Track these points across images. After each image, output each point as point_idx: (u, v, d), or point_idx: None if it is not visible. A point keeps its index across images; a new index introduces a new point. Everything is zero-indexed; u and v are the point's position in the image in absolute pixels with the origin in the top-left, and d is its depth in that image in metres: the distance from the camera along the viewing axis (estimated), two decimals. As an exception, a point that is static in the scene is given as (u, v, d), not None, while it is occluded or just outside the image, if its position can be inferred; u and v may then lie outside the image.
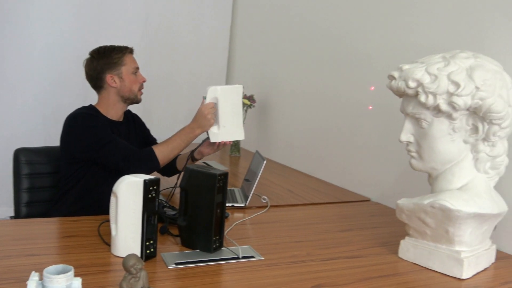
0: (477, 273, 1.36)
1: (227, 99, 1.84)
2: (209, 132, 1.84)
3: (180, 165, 2.05)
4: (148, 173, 1.86)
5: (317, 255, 1.44)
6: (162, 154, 1.82)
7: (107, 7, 3.05)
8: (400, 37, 2.02)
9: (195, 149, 1.95)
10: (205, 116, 1.81)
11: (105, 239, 1.43)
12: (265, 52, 3.16)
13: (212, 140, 1.85)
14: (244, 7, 3.47)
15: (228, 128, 1.84)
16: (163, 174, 2.13)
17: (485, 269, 1.39)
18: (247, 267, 1.33)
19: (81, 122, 1.83)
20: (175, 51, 3.37)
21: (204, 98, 1.83)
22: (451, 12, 1.78)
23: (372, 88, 2.16)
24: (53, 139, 2.82)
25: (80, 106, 1.93)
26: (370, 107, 2.17)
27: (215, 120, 1.82)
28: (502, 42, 1.58)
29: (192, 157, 1.95)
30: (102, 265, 1.29)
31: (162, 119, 3.18)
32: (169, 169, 2.07)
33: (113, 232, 1.36)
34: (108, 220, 1.43)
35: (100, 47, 1.91)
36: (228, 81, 3.63)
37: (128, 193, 1.33)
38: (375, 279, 1.30)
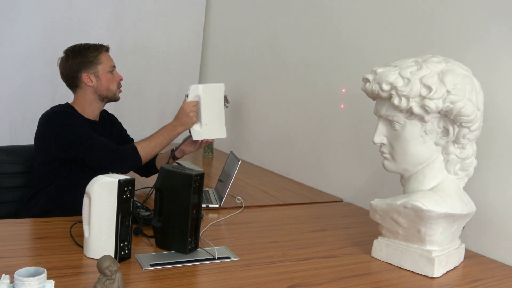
0: (447, 272, 1.40)
1: (209, 97, 1.84)
2: (192, 130, 1.85)
3: (159, 164, 2.04)
4: (130, 170, 1.85)
5: (292, 255, 1.45)
6: (144, 150, 1.81)
7: (76, 4, 2.98)
8: (371, 39, 2.06)
9: (177, 147, 1.94)
10: (188, 114, 1.81)
11: (77, 241, 1.40)
12: (239, 52, 3.16)
13: (195, 138, 1.86)
14: (218, 7, 3.46)
15: (210, 126, 1.85)
16: (141, 174, 2.10)
17: (454, 268, 1.43)
18: (223, 267, 1.33)
19: (59, 120, 1.79)
20: (146, 50, 3.32)
21: (187, 96, 1.83)
22: (422, 18, 1.83)
23: (344, 90, 2.20)
24: (20, 139, 2.75)
25: (47, 106, 1.89)
26: (342, 106, 2.21)
27: (197, 118, 1.83)
28: (470, 47, 1.64)
29: (173, 155, 1.95)
30: (75, 267, 1.26)
31: (133, 119, 3.12)
32: (148, 168, 2.04)
33: (86, 234, 1.34)
34: (80, 221, 1.41)
35: (75, 46, 1.87)
36: (201, 81, 3.61)
37: (102, 193, 1.31)
38: (349, 279, 1.32)
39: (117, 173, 1.88)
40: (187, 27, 3.47)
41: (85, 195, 1.34)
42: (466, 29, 1.65)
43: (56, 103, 1.91)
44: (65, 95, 2.86)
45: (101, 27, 3.10)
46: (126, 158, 1.78)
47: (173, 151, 1.97)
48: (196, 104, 1.83)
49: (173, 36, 3.42)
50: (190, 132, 1.86)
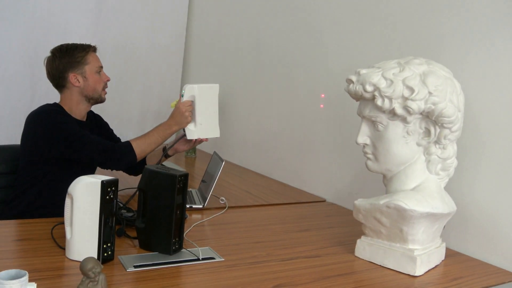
0: (429, 270, 1.42)
1: (204, 98, 1.88)
2: (186, 129, 1.88)
3: (150, 161, 2.03)
4: (125, 167, 1.84)
5: (276, 255, 1.46)
6: (139, 148, 1.81)
7: (56, 2, 2.94)
8: (353, 41, 2.08)
9: (170, 146, 1.96)
10: (183, 113, 1.84)
11: (59, 243, 1.38)
12: (222, 52, 3.16)
13: (189, 137, 1.89)
14: (200, 6, 3.45)
15: (205, 125, 1.89)
16: (130, 173, 2.09)
17: (436, 266, 1.45)
18: (208, 268, 1.33)
19: (51, 118, 1.77)
20: (128, 49, 3.29)
21: (182, 96, 1.86)
22: (403, 20, 1.86)
23: (323, 95, 2.22)
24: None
25: (26, 107, 1.86)
26: (322, 106, 2.23)
27: (192, 117, 1.86)
28: (451, 50, 1.67)
29: (165, 154, 1.97)
30: (57, 269, 1.24)
31: (115, 119, 3.10)
32: (138, 167, 2.03)
33: (68, 235, 1.32)
34: (62, 223, 1.38)
35: (62, 45, 1.84)
36: (183, 82, 3.59)
37: (85, 194, 1.29)
38: (333, 278, 1.33)
39: (112, 170, 1.89)
40: (170, 26, 3.45)
41: (67, 196, 1.32)
42: (447, 32, 1.68)
43: (35, 104, 1.89)
44: (44, 96, 2.82)
45: (82, 26, 3.06)
46: (121, 155, 1.79)
47: (165, 149, 1.99)
48: (191, 104, 1.85)
49: (156, 35, 3.40)
50: (184, 131, 1.89)
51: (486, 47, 1.56)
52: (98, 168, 1.96)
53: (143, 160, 2.02)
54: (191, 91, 1.86)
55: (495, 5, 1.54)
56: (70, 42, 1.89)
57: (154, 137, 1.85)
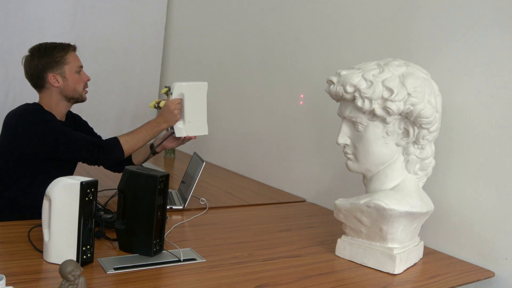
0: (408, 268, 1.44)
1: (193, 95, 1.89)
2: (175, 127, 1.89)
3: (136, 159, 2.01)
4: (112, 162, 1.82)
5: (258, 255, 1.46)
6: (127, 144, 1.80)
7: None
8: (333, 42, 2.10)
9: (159, 143, 1.96)
10: (172, 111, 1.84)
11: (36, 245, 1.35)
12: (201, 52, 3.14)
13: (178, 134, 1.90)
14: (179, 5, 3.43)
15: (193, 123, 1.90)
16: (115, 170, 2.06)
17: (414, 264, 1.48)
18: (189, 269, 1.32)
19: (34, 117, 1.73)
20: (106, 48, 3.24)
21: (171, 94, 1.86)
22: (382, 22, 1.88)
23: (301, 101, 2.25)
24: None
25: None
26: (301, 103, 2.25)
27: (180, 115, 1.87)
28: (429, 51, 1.70)
29: (154, 151, 1.97)
30: (34, 272, 1.22)
31: (92, 118, 3.05)
32: (125, 163, 2.00)
33: (45, 238, 1.29)
34: (39, 225, 1.36)
35: (41, 44, 1.80)
36: (162, 82, 3.56)
37: (63, 196, 1.26)
38: (315, 277, 1.34)
39: (99, 165, 1.87)
40: (148, 25, 3.41)
41: (44, 197, 1.29)
42: (425, 34, 1.71)
43: (8, 105, 1.85)
44: (18, 95, 2.76)
45: (58, 25, 3.00)
46: (109, 151, 1.78)
47: (152, 146, 1.99)
48: (180, 102, 1.86)
49: (134, 35, 3.36)
50: (173, 128, 1.89)
51: (465, 49, 1.59)
52: (77, 169, 1.93)
53: (129, 157, 2.00)
54: (180, 89, 1.86)
55: (467, 7, 1.57)
56: (45, 41, 1.85)
57: (143, 134, 1.84)
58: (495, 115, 1.51)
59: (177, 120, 1.87)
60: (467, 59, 1.58)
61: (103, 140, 1.82)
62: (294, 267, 1.40)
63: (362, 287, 1.31)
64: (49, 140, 1.71)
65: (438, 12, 1.67)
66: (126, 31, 3.32)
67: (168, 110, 1.84)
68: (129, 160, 2.00)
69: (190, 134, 1.92)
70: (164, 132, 2.06)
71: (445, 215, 1.62)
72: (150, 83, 3.50)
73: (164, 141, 1.96)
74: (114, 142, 1.79)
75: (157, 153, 2.02)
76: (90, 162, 1.80)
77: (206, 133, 1.96)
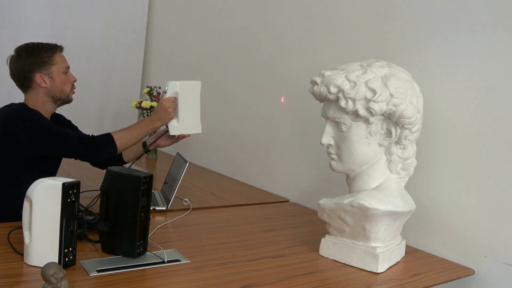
0: (391, 267, 1.46)
1: (186, 94, 1.89)
2: (169, 125, 1.89)
3: (127, 157, 1.99)
4: (104, 158, 1.82)
5: (242, 256, 1.46)
6: (120, 140, 1.79)
7: (8, -2, 2.83)
8: (315, 42, 2.11)
9: (153, 141, 1.96)
10: (166, 109, 1.84)
11: (16, 248, 1.33)
12: (183, 52, 3.13)
13: (172, 133, 1.91)
14: (161, 5, 3.41)
15: (187, 121, 1.90)
16: (103, 167, 2.02)
17: (397, 263, 1.50)
18: (174, 271, 1.31)
19: (23, 115, 1.71)
20: (86, 48, 3.20)
21: (165, 92, 1.87)
22: (364, 24, 1.90)
23: (282, 100, 2.26)
24: None
25: None
26: (283, 100, 2.26)
27: (174, 114, 1.87)
28: (411, 53, 1.72)
29: (147, 149, 1.97)
30: (15, 275, 1.19)
31: (72, 118, 3.01)
32: (116, 161, 1.98)
33: (26, 240, 1.27)
34: (19, 227, 1.33)
35: (28, 44, 1.78)
36: (144, 82, 3.53)
37: (44, 197, 1.24)
38: (299, 277, 1.34)
39: (91, 161, 1.88)
40: (130, 25, 3.38)
41: (25, 199, 1.27)
42: (406, 35, 1.74)
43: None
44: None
45: (37, 23, 2.95)
46: (101, 146, 1.77)
47: (145, 144, 1.99)
48: (174, 100, 1.86)
49: (115, 34, 3.32)
50: (167, 127, 1.90)
51: (445, 51, 1.62)
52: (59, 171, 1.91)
53: (120, 154, 1.98)
54: (174, 87, 1.87)
55: (447, 9, 1.60)
56: (24, 41, 1.82)
57: (136, 131, 1.84)
58: (475, 116, 1.54)
59: (171, 118, 1.87)
60: (447, 61, 1.61)
61: (96, 135, 1.81)
62: (279, 267, 1.40)
63: (346, 286, 1.32)
64: (39, 137, 1.69)
65: (419, 14, 1.69)
66: (107, 30, 3.28)
67: (163, 109, 1.84)
68: (120, 158, 1.98)
69: (184, 132, 1.92)
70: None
71: (426, 214, 1.65)
72: (132, 83, 3.47)
73: (158, 139, 1.96)
74: (108, 137, 1.79)
75: (149, 151, 2.02)
76: (83, 158, 1.79)
77: (200, 131, 1.97)
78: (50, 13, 3.02)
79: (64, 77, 1.81)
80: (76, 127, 2.03)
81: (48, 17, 3.01)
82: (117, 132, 1.82)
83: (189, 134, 1.95)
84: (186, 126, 1.91)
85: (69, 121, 2.02)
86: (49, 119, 1.84)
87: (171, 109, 1.85)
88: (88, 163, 1.95)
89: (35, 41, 1.81)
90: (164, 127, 1.92)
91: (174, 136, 1.94)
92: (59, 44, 1.84)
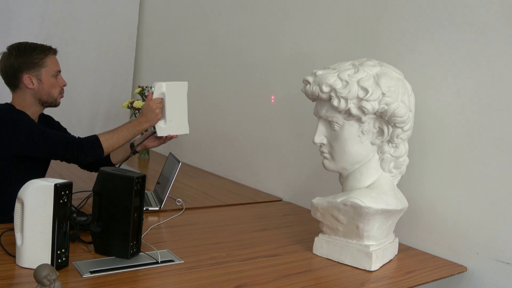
0: (384, 265, 1.47)
1: (173, 95, 1.89)
2: (156, 126, 1.88)
3: (115, 158, 1.97)
4: (91, 160, 1.80)
5: (236, 255, 1.46)
6: (107, 142, 1.77)
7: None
8: (307, 42, 2.12)
9: (140, 142, 1.95)
10: (153, 110, 1.83)
11: (8, 250, 1.31)
12: (175, 52, 3.12)
13: (159, 134, 1.90)
14: (152, 5, 3.40)
15: (174, 122, 1.90)
16: (91, 170, 2.01)
17: (390, 261, 1.51)
18: (167, 271, 1.31)
19: (9, 116, 1.69)
20: (76, 49, 3.17)
21: (152, 93, 1.86)
22: (357, 23, 1.91)
23: (273, 100, 2.26)
24: None
25: None
26: (273, 98, 2.26)
27: (162, 115, 1.86)
28: (403, 52, 1.73)
29: (134, 150, 1.95)
30: (7, 278, 1.18)
31: (63, 121, 2.99)
32: (103, 162, 1.96)
33: (18, 242, 1.26)
34: (10, 229, 1.32)
35: (21, 44, 1.76)
36: (135, 82, 3.52)
37: (36, 198, 1.23)
38: (293, 276, 1.34)
39: (78, 163, 1.86)
40: (120, 25, 3.36)
41: (17, 200, 1.26)
42: (397, 34, 1.75)
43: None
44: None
45: (26, 24, 2.92)
46: (88, 148, 1.75)
47: (132, 145, 1.97)
48: (161, 101, 1.85)
49: (105, 35, 3.30)
50: (154, 128, 1.89)
51: (437, 51, 1.63)
52: (48, 171, 1.89)
53: (108, 156, 1.97)
54: (160, 88, 1.86)
55: (438, 7, 1.61)
56: (13, 39, 1.81)
57: (124, 133, 1.82)
58: (466, 114, 1.55)
59: (158, 119, 1.86)
60: (439, 59, 1.62)
61: (82, 137, 1.79)
62: (273, 266, 1.40)
63: (340, 285, 1.33)
64: (25, 138, 1.68)
65: (410, 12, 1.70)
66: (98, 31, 3.27)
67: (150, 110, 1.83)
68: (107, 160, 1.97)
69: (172, 133, 1.92)
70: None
71: (418, 212, 1.66)
72: (123, 83, 3.45)
73: (145, 140, 1.95)
74: (94, 139, 1.77)
75: (137, 152, 2.01)
76: (69, 160, 1.77)
77: (187, 132, 1.97)
78: (40, 12, 3.00)
79: (53, 81, 1.79)
80: (65, 129, 2.01)
81: (38, 18, 2.99)
82: (103, 134, 1.80)
83: (176, 135, 1.95)
84: (174, 127, 1.91)
85: (58, 123, 2.00)
86: (36, 120, 1.83)
87: (158, 110, 1.84)
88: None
89: (25, 41, 1.80)
90: (151, 128, 1.91)
91: (161, 137, 1.93)
92: (54, 47, 1.83)
